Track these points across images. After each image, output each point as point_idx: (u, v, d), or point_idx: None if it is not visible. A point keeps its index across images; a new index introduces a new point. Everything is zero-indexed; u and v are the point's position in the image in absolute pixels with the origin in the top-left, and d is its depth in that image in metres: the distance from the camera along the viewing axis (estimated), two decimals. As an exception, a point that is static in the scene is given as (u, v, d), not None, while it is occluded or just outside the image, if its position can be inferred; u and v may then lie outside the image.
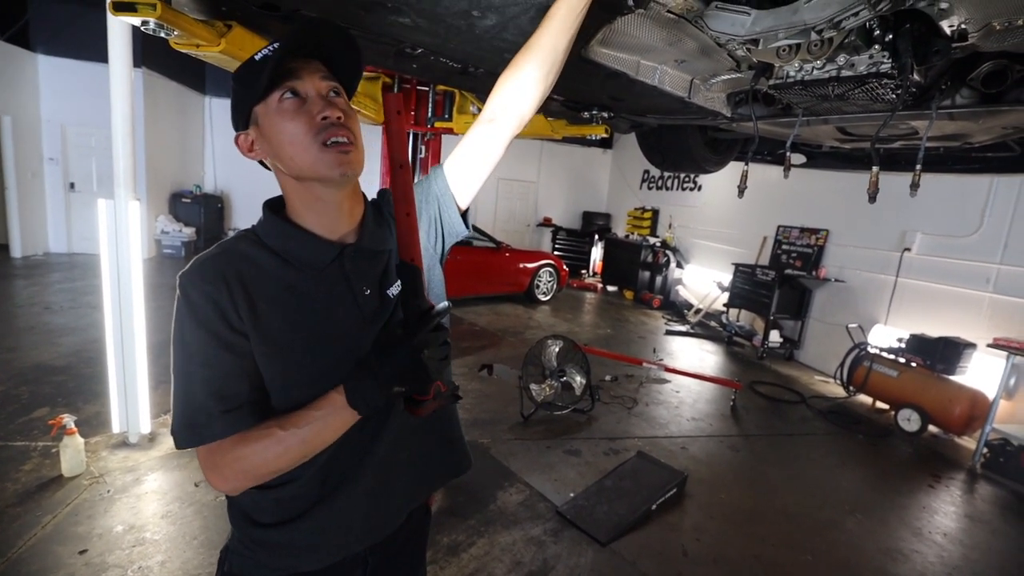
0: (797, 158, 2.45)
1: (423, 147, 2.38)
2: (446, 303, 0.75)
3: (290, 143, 0.74)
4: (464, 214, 0.97)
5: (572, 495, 2.76)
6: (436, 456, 0.95)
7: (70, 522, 2.26)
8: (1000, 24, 1.06)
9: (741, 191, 1.40)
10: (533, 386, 3.61)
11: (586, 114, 1.89)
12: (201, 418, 0.71)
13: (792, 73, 1.30)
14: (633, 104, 1.75)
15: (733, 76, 1.52)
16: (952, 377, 4.24)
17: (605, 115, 1.88)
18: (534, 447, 3.31)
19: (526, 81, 0.90)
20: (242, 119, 0.79)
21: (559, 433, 3.54)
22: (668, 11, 1.14)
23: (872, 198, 1.24)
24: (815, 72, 1.25)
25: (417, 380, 0.69)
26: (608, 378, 4.64)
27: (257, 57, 0.75)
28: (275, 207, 0.83)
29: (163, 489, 2.56)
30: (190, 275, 0.74)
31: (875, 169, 1.24)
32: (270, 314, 0.75)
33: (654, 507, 2.67)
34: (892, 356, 4.61)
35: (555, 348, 3.66)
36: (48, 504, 2.37)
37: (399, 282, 0.82)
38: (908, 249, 5.12)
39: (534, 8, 1.09)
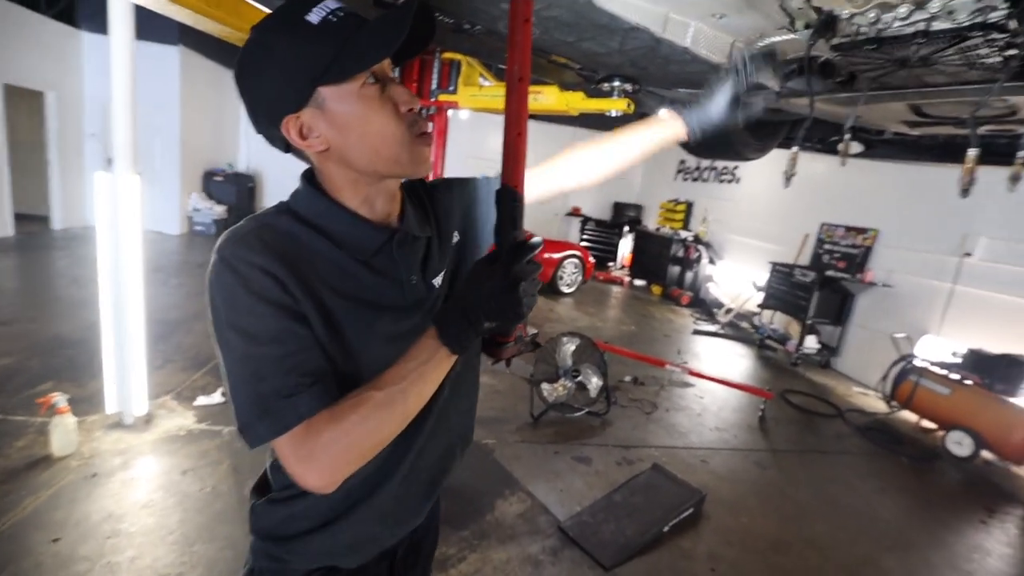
0: (854, 147, 2.12)
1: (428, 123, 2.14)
2: (539, 238, 0.68)
3: (379, 135, 0.67)
4: None
5: (578, 509, 2.54)
6: (456, 426, 0.90)
7: (50, 506, 2.18)
8: None
9: (788, 178, 1.13)
10: (545, 385, 3.39)
11: (606, 86, 1.64)
12: (278, 402, 0.60)
13: (864, 28, 1.01)
14: (659, 73, 1.48)
15: (785, 38, 1.24)
16: (1013, 400, 3.81)
17: (628, 88, 1.62)
18: (541, 451, 3.09)
19: (586, 175, 1.01)
20: (297, 97, 0.65)
21: (570, 437, 3.31)
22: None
23: (965, 192, 0.96)
24: (896, 24, 0.96)
25: (511, 315, 0.63)
26: (627, 379, 4.38)
27: (320, 18, 0.62)
28: (313, 182, 0.74)
29: (149, 475, 2.46)
30: (234, 247, 0.63)
31: (972, 153, 0.95)
32: (326, 297, 0.67)
33: (666, 529, 2.43)
34: (944, 371, 4.18)
35: (570, 346, 3.42)
36: (33, 484, 2.29)
37: (443, 272, 0.82)
38: (968, 254, 4.64)
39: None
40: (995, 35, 0.88)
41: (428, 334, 0.64)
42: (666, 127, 0.96)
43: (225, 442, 2.76)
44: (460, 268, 0.88)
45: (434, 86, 2.03)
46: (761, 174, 7.37)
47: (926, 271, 4.98)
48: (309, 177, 0.74)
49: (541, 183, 0.95)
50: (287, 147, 0.70)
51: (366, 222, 0.73)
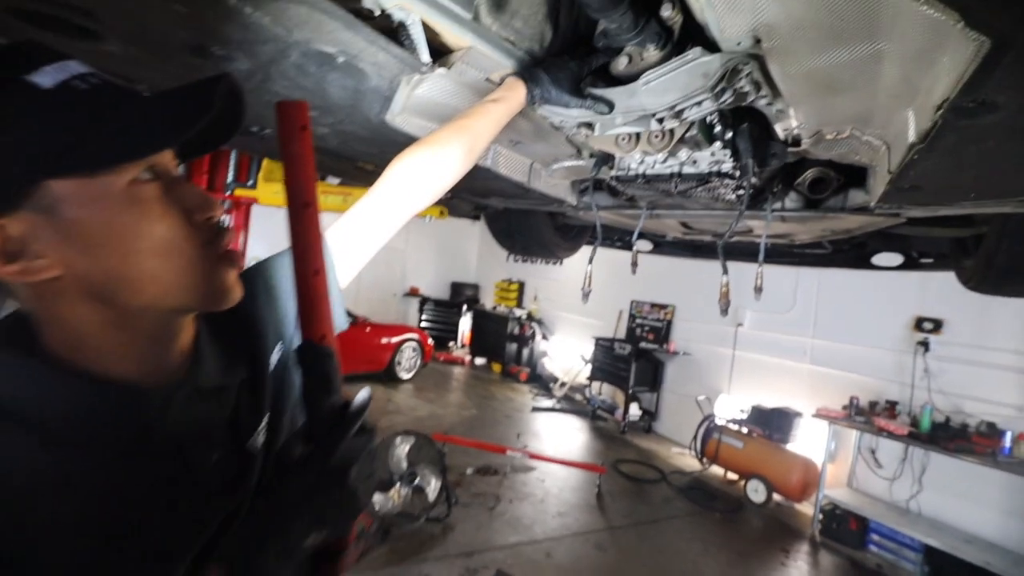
0: (644, 244, 2.41)
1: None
2: (367, 391, 0.50)
3: (159, 256, 0.45)
4: None
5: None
6: None
7: None
8: (830, 133, 1.00)
9: (586, 295, 1.20)
10: (377, 497, 3.05)
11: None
12: None
13: (633, 166, 1.15)
14: (468, 185, 1.52)
15: (575, 163, 1.36)
16: (787, 446, 4.56)
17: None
18: (374, 579, 2.71)
19: (451, 158, 0.82)
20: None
21: (407, 553, 2.97)
22: (487, 79, 0.91)
23: (724, 311, 1.10)
24: (657, 166, 1.11)
25: (344, 516, 0.46)
26: (469, 471, 4.20)
27: (56, 82, 0.41)
28: (18, 339, 0.45)
29: None
30: None
31: (725, 280, 1.11)
32: (44, 550, 0.40)
33: (514, 650, 2.25)
34: (736, 427, 4.86)
35: (404, 447, 3.17)
36: None
37: (263, 421, 0.57)
38: (741, 324, 5.62)
39: (295, 50, 0.78)
40: (727, 180, 1.06)
41: None
42: (510, 100, 0.87)
43: None
44: (283, 395, 0.63)
45: (230, 179, 1.82)
46: (580, 257, 8.20)
47: (713, 340, 5.88)
48: (8, 331, 0.46)
49: (393, 213, 0.79)
50: None
51: (119, 389, 0.46)
